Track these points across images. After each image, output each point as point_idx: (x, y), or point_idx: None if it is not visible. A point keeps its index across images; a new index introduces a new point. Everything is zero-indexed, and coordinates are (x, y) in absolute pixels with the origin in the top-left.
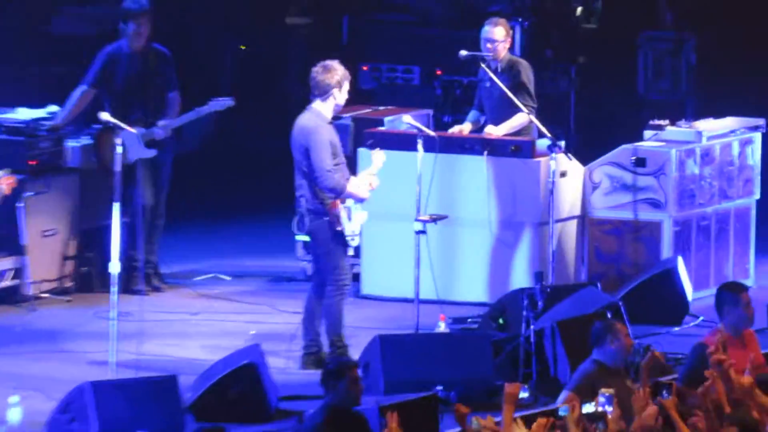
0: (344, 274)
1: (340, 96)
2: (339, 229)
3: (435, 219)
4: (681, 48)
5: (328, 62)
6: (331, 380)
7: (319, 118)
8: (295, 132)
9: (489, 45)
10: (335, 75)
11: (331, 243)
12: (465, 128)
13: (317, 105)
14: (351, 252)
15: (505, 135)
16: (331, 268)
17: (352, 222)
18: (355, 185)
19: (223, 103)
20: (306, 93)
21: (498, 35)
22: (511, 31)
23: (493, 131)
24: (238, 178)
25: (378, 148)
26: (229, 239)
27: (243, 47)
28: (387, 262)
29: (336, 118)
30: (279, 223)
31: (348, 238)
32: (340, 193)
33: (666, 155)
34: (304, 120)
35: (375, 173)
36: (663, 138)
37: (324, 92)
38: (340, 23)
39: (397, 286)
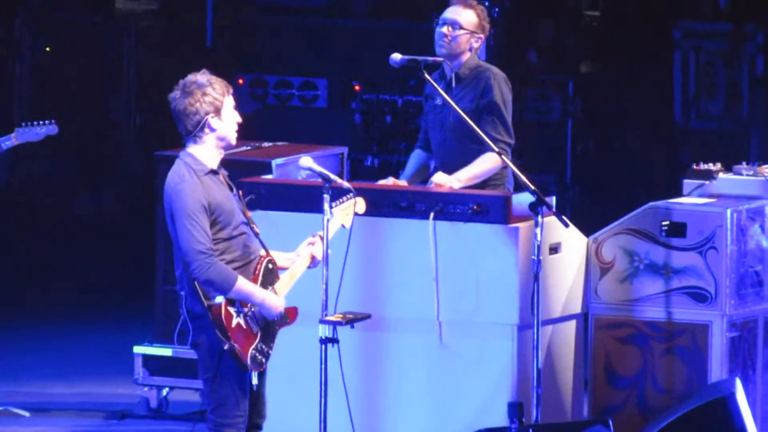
0: (231, 418)
1: (223, 124)
2: (227, 347)
3: (351, 320)
4: (741, 48)
5: (190, 78)
6: None
7: (188, 170)
8: (165, 192)
9: (447, 30)
10: (203, 96)
11: (216, 367)
12: (402, 182)
13: (191, 148)
14: (254, 380)
15: (465, 187)
16: (212, 405)
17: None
18: (252, 287)
19: (40, 131)
20: (147, 119)
21: (466, 20)
22: (487, 26)
23: (445, 181)
24: (44, 253)
25: (349, 195)
26: (29, 351)
27: (48, 48)
28: (278, 387)
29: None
30: (108, 326)
31: (248, 360)
32: (223, 290)
33: (718, 219)
34: (170, 174)
35: (323, 239)
36: (713, 192)
37: (194, 127)
38: (200, 12)
39: (293, 426)
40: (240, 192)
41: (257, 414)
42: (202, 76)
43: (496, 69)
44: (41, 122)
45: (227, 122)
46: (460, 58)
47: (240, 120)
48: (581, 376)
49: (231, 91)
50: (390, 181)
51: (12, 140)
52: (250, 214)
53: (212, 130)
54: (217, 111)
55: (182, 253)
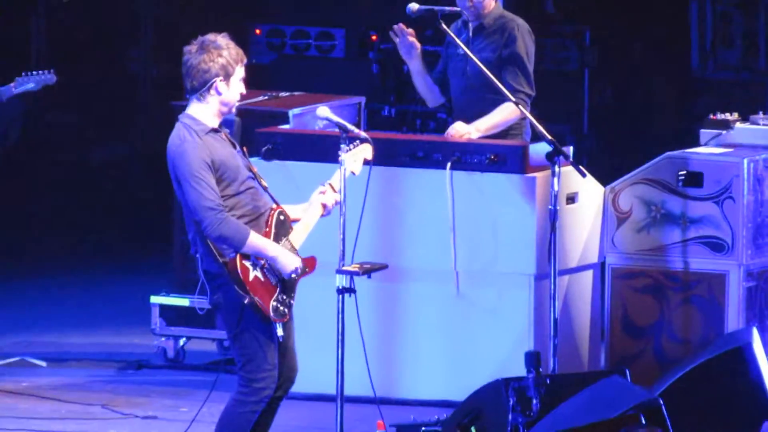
0: (261, 372)
1: (229, 91)
2: (247, 301)
3: (368, 270)
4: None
5: (210, 37)
6: None
7: (188, 131)
8: (168, 155)
9: (470, 2)
10: (218, 57)
11: (239, 323)
12: (412, 36)
13: (192, 108)
14: (280, 332)
15: (484, 137)
16: (241, 361)
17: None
18: (265, 242)
19: (38, 79)
20: (164, 69)
21: None
22: None
23: (464, 131)
24: (62, 204)
25: (356, 143)
26: (47, 302)
27: (65, 0)
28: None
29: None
30: (123, 277)
31: (270, 311)
32: (236, 246)
33: (734, 169)
34: (171, 137)
35: (337, 189)
36: (730, 142)
37: (201, 85)
38: None
39: (310, 377)
40: (244, 148)
41: (288, 367)
42: (223, 39)
43: (520, 20)
44: (40, 72)
45: (233, 90)
46: (486, 11)
47: (245, 92)
48: (598, 325)
49: (245, 62)
50: (410, 31)
51: (11, 89)
52: (256, 169)
53: (218, 93)
54: (227, 76)
55: (192, 213)
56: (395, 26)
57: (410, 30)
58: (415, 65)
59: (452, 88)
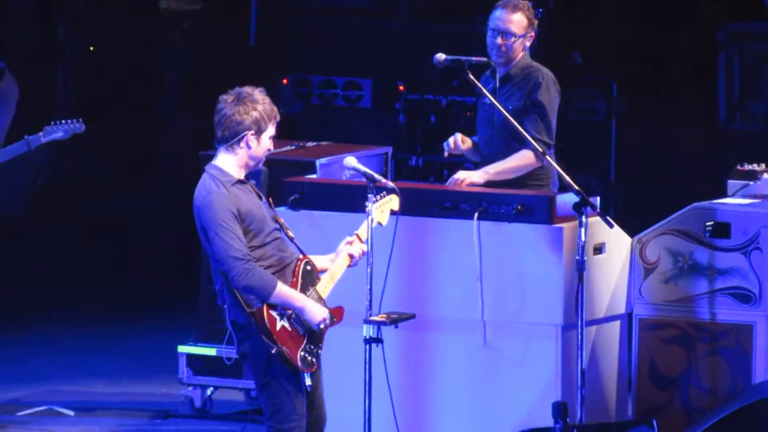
0: (289, 422)
1: (259, 146)
2: (275, 351)
3: (396, 320)
4: None
5: (247, 89)
6: None
7: (214, 182)
8: (194, 206)
9: (501, 41)
10: (253, 111)
11: (267, 373)
12: (465, 141)
13: (219, 159)
14: (308, 381)
15: (506, 186)
16: (269, 411)
17: (314, 315)
18: (292, 292)
19: (67, 128)
20: (191, 119)
21: (518, 26)
22: (536, 20)
23: (465, 176)
24: (89, 254)
25: (383, 193)
26: (74, 351)
27: (92, 48)
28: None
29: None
30: (150, 326)
31: (298, 361)
32: (263, 296)
33: (762, 219)
34: (198, 187)
35: (364, 239)
36: (757, 192)
37: (232, 136)
38: (244, 12)
39: (338, 426)
40: (270, 199)
41: (316, 417)
42: (259, 94)
43: (546, 70)
44: (69, 121)
45: (263, 146)
46: (514, 58)
47: (273, 149)
48: (625, 376)
49: (278, 119)
50: (458, 137)
51: (40, 138)
52: (282, 220)
53: (248, 146)
54: (259, 131)
55: (219, 263)
56: (445, 145)
57: (459, 138)
58: (469, 151)
59: (479, 137)
